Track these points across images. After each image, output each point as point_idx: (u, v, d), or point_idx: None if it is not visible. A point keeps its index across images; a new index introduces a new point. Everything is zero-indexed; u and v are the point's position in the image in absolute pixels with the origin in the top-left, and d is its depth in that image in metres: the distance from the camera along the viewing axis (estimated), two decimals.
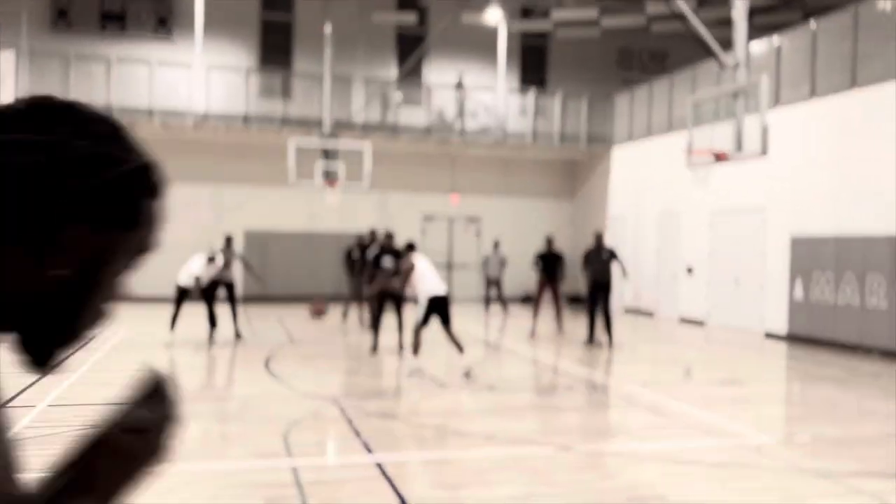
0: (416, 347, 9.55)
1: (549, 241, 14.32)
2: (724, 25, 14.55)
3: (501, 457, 6.15)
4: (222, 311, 13.01)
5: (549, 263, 14.04)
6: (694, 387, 9.68)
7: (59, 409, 7.26)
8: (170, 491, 5.01)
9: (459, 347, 9.50)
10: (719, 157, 10.49)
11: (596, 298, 12.63)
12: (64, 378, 8.76)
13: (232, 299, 12.37)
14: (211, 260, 11.88)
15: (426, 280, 9.34)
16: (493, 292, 18.70)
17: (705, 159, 10.70)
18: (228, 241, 12.61)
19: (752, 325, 15.08)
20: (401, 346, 11.46)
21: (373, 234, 14.32)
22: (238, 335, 12.30)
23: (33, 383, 8.02)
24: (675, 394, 8.84)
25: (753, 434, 6.93)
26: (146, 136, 19.12)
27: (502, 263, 18.59)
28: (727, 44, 12.27)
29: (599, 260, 12.68)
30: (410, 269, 9.50)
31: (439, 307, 9.32)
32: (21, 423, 6.60)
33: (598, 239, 12.89)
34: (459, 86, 20.48)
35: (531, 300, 14.49)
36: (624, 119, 20.52)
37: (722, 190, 15.55)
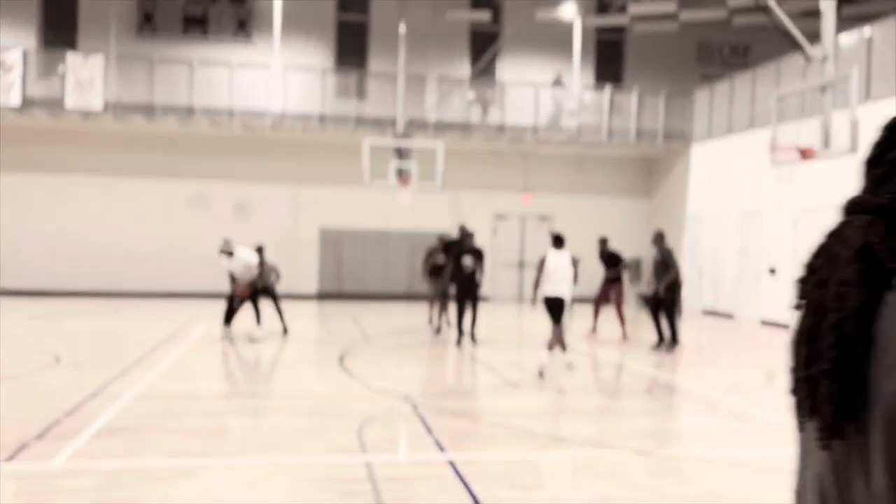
0: (552, 344, 9.58)
1: (603, 242, 14.03)
2: (810, 17, 13.99)
3: (575, 459, 6.06)
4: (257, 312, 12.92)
5: (606, 264, 13.74)
6: (778, 392, 9.33)
7: (145, 402, 7.51)
8: (248, 485, 5.11)
9: (563, 347, 9.60)
10: (806, 155, 10.09)
11: (656, 300, 12.25)
12: (147, 372, 9.06)
13: (274, 297, 12.57)
14: (259, 251, 12.18)
15: (546, 279, 9.49)
16: None
17: (791, 157, 10.32)
18: (260, 249, 12.63)
19: None
20: (474, 340, 11.72)
21: (463, 231, 12.89)
22: (285, 330, 12.48)
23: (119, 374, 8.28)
24: (758, 399, 8.55)
25: None
26: (227, 136, 19.45)
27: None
28: (814, 36, 11.78)
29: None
30: (539, 265, 9.67)
31: (550, 307, 9.44)
32: (107, 416, 6.84)
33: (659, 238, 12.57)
34: (557, 83, 20.31)
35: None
36: (703, 115, 19.98)
37: (807, 188, 14.96)
